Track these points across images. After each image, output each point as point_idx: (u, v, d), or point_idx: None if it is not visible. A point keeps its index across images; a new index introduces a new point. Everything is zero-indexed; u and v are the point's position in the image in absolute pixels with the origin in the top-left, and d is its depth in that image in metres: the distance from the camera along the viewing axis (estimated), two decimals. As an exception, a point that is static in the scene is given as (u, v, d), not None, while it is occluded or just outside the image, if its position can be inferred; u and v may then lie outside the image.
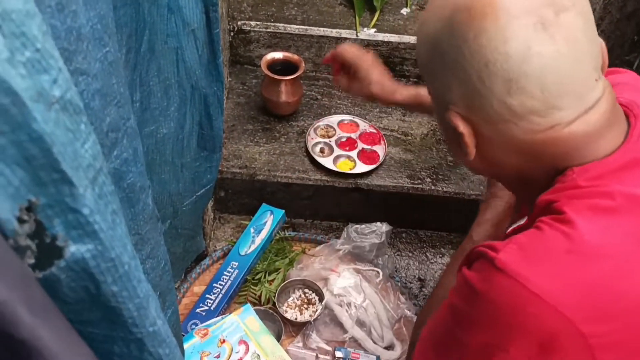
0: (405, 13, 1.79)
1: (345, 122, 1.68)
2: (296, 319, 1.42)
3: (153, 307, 0.45)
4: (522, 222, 0.77)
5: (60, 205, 0.34)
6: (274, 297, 1.44)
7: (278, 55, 1.63)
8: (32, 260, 0.34)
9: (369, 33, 1.73)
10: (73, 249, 0.36)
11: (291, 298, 1.48)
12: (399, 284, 1.54)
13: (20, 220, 0.33)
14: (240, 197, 1.66)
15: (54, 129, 0.33)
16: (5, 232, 0.32)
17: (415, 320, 1.00)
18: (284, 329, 1.41)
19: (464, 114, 0.69)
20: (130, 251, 0.42)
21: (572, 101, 0.64)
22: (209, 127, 1.02)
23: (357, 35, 1.72)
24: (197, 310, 1.42)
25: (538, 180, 0.71)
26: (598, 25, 1.62)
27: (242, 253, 1.52)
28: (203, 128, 1.03)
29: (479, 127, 0.69)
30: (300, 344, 1.40)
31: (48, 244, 0.35)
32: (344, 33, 1.73)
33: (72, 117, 0.36)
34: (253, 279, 1.51)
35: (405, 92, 1.22)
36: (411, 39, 1.73)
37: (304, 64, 1.60)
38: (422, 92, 1.19)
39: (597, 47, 0.66)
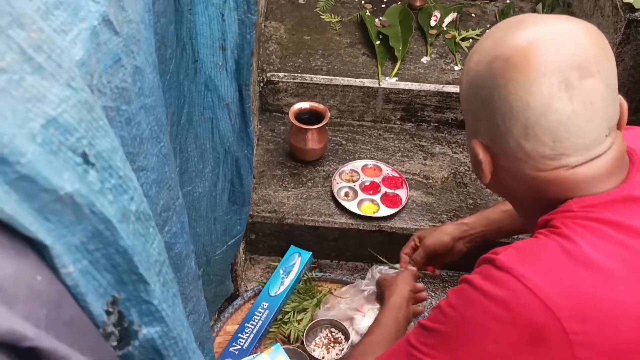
0: (425, 62, 1.88)
1: (369, 166, 1.77)
2: (323, 357, 1.50)
3: (204, 371, 0.54)
4: None
5: (136, 298, 0.43)
6: (303, 336, 1.52)
7: (305, 105, 1.73)
8: (114, 343, 0.43)
9: (390, 82, 1.82)
10: (145, 332, 0.45)
11: (318, 337, 1.56)
12: (422, 323, 1.60)
13: (108, 313, 0.42)
14: (270, 240, 1.75)
15: (134, 242, 0.42)
16: (97, 324, 0.41)
17: None
18: (312, 367, 1.48)
19: (485, 143, 0.79)
20: (186, 326, 0.51)
21: (580, 150, 0.74)
22: (239, 184, 1.12)
23: (379, 84, 1.82)
24: (230, 349, 1.50)
25: (542, 207, 0.80)
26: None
27: (272, 294, 1.60)
28: (234, 185, 1.12)
29: (497, 157, 0.79)
30: (328, 382, 1.47)
31: (126, 328, 0.44)
32: (367, 82, 1.83)
33: (144, 224, 0.45)
34: (282, 318, 1.59)
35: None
36: (431, 87, 1.82)
37: (329, 113, 1.69)
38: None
39: (612, 109, 0.74)
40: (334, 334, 1.56)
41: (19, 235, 0.34)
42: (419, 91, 1.82)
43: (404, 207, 1.66)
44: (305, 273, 1.68)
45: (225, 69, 0.87)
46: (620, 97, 0.78)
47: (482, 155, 0.80)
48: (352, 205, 1.65)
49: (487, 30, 0.91)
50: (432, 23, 1.97)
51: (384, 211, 1.65)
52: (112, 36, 0.50)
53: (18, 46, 0.37)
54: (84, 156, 0.40)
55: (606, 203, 0.74)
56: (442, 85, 1.82)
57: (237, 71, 0.89)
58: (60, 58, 0.39)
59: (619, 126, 0.77)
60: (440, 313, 0.79)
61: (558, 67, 0.70)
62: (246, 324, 1.55)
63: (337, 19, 2.01)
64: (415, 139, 1.87)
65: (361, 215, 1.64)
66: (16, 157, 0.33)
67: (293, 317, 1.59)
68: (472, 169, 0.99)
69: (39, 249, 0.35)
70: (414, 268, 1.29)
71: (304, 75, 1.84)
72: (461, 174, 1.76)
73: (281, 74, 1.84)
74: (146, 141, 0.59)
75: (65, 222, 0.37)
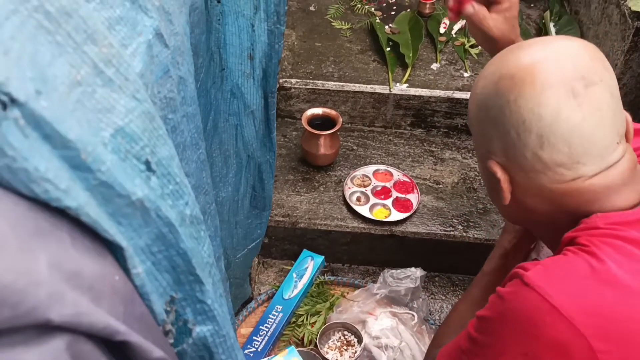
0: (435, 68, 1.91)
1: (380, 171, 1.80)
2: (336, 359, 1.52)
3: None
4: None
5: (192, 298, 0.46)
6: (316, 338, 1.55)
7: (318, 111, 1.76)
8: (172, 340, 0.45)
9: (401, 88, 1.85)
10: (198, 330, 0.47)
11: (332, 340, 1.58)
12: (433, 326, 1.62)
13: (167, 312, 0.44)
14: (283, 244, 1.77)
15: (191, 244, 0.45)
16: (158, 322, 0.43)
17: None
18: (326, 369, 1.51)
19: (502, 162, 0.81)
20: (232, 325, 0.53)
21: (595, 159, 0.76)
22: (261, 189, 1.14)
23: (390, 90, 1.85)
24: (246, 351, 1.52)
25: (562, 224, 0.82)
26: (619, 79, 1.71)
27: (286, 297, 1.62)
28: (256, 190, 1.15)
29: (514, 174, 0.81)
30: (342, 384, 1.49)
31: (181, 326, 0.46)
32: (378, 88, 1.86)
33: (196, 227, 0.48)
34: (296, 321, 1.62)
35: None
36: (441, 93, 1.85)
37: (341, 119, 1.72)
38: None
39: (620, 118, 0.77)
40: (347, 336, 1.59)
41: (98, 237, 0.36)
42: (429, 97, 1.85)
43: (415, 211, 1.68)
44: (318, 277, 1.71)
45: (252, 77, 0.90)
46: (625, 111, 0.81)
47: (500, 173, 0.81)
48: (364, 210, 1.68)
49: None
50: (442, 30, 2.00)
51: (396, 215, 1.67)
52: (162, 49, 0.52)
53: (91, 60, 0.40)
54: (147, 163, 0.42)
55: (631, 222, 0.77)
56: (451, 92, 1.85)
57: (264, 79, 0.92)
58: (126, 71, 0.42)
59: (626, 139, 0.80)
60: (479, 323, 0.82)
61: (563, 79, 0.73)
62: (260, 327, 1.57)
63: (347, 26, 2.04)
64: (425, 144, 1.89)
65: (373, 220, 1.66)
66: (98, 164, 0.36)
67: (306, 320, 1.62)
68: (488, 194, 1.00)
69: (113, 251, 0.38)
70: None
71: (316, 81, 1.87)
72: (471, 179, 1.79)
73: (293, 80, 1.87)
74: (188, 148, 0.61)
75: (134, 226, 0.39)
